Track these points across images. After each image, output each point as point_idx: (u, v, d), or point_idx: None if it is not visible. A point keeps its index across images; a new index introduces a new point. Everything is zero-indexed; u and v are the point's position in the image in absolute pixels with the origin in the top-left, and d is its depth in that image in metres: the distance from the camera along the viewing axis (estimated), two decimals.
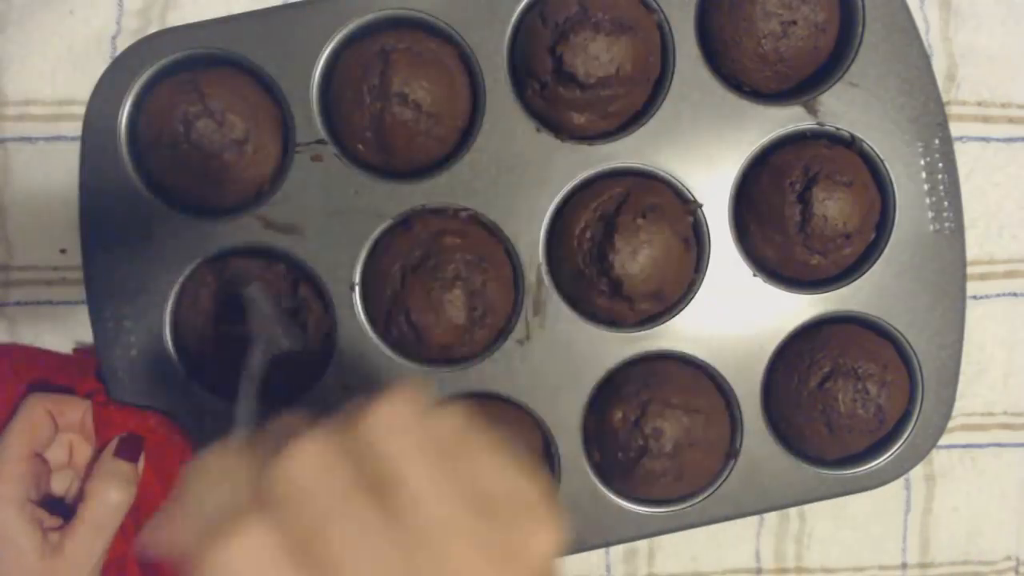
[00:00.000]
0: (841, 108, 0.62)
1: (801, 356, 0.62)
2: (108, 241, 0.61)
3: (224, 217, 0.61)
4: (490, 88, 0.61)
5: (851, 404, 0.60)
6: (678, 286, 0.62)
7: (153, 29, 0.63)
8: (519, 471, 0.34)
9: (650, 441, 0.59)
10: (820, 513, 0.69)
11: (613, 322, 0.62)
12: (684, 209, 0.62)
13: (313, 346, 0.61)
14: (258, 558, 0.30)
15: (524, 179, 0.62)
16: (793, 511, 0.69)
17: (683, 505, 0.63)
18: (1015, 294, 0.69)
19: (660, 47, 0.62)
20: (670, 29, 0.61)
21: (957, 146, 0.64)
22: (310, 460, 0.31)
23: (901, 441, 0.63)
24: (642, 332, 0.62)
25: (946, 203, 0.63)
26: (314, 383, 0.61)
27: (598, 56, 0.58)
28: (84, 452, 0.60)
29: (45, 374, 0.61)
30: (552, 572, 0.33)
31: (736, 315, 0.63)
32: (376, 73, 0.58)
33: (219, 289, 0.60)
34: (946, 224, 0.63)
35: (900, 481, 0.67)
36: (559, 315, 0.62)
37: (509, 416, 0.61)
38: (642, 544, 0.68)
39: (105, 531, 0.56)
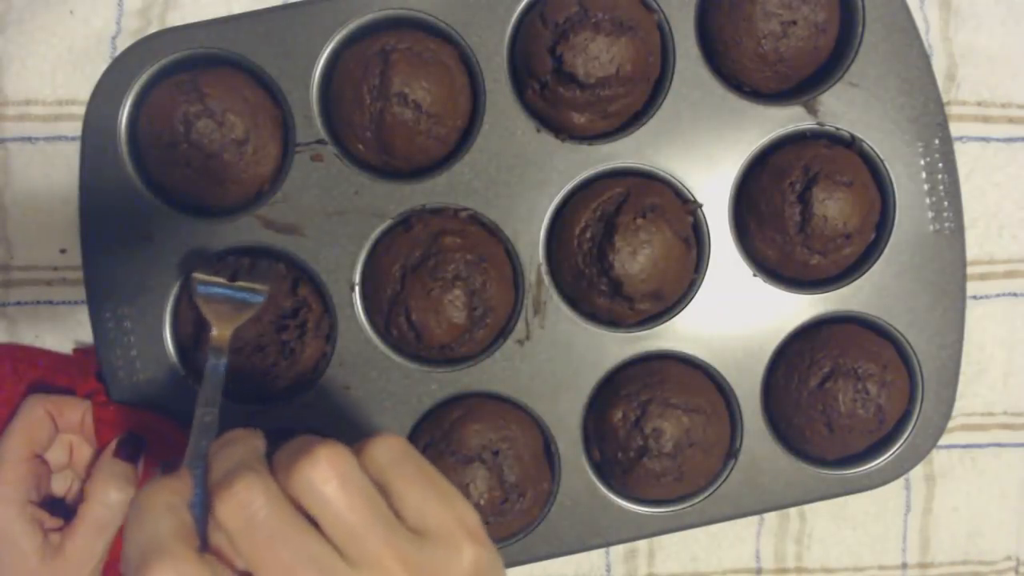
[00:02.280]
0: (841, 108, 0.62)
1: (801, 356, 0.62)
2: (108, 241, 0.61)
3: (224, 217, 0.61)
4: (490, 88, 0.61)
5: (851, 404, 0.60)
6: (678, 286, 0.62)
7: (153, 29, 0.63)
8: (447, 495, 0.39)
9: (650, 441, 0.59)
10: (820, 513, 0.69)
11: (613, 322, 0.62)
12: (684, 209, 0.62)
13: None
14: None
15: (524, 179, 0.62)
16: (793, 511, 0.69)
17: (683, 505, 0.63)
18: (1015, 294, 0.69)
19: (660, 47, 0.62)
20: (670, 29, 0.61)
21: (957, 146, 0.64)
22: (255, 496, 0.36)
23: (901, 441, 0.63)
24: (642, 332, 0.62)
25: (946, 203, 0.63)
26: (313, 383, 0.61)
27: (598, 56, 0.58)
28: (84, 453, 0.60)
29: (45, 375, 0.61)
30: None
31: (736, 315, 0.63)
32: (376, 73, 0.58)
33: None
34: (946, 224, 0.63)
35: (900, 481, 0.67)
36: (559, 315, 0.62)
37: (509, 416, 0.61)
38: (642, 544, 0.68)
39: (106, 532, 0.56)
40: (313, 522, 0.37)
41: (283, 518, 0.36)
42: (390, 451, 0.39)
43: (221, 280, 0.56)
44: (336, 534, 0.37)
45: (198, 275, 0.56)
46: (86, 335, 0.63)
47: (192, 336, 0.61)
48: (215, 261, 0.58)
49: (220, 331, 0.52)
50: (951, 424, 0.66)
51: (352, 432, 0.61)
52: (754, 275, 0.63)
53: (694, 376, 0.63)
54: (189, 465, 0.40)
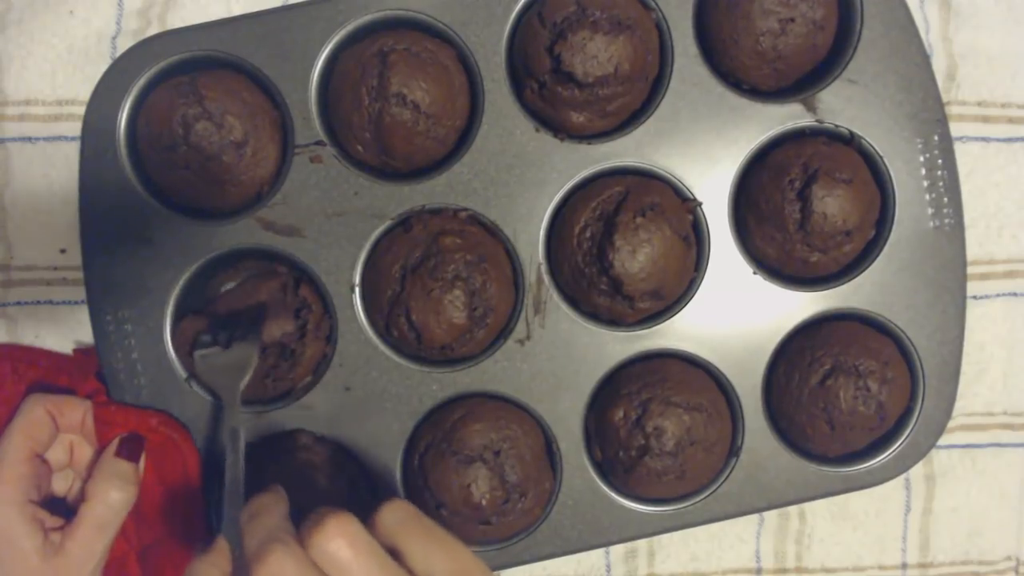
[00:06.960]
0: (840, 105, 0.62)
1: (802, 353, 0.62)
2: (108, 241, 0.61)
3: (224, 219, 0.61)
4: (489, 88, 0.61)
5: (852, 401, 0.60)
6: (678, 284, 0.62)
7: (153, 29, 0.63)
8: (451, 547, 0.43)
9: (651, 440, 0.59)
10: (820, 513, 0.69)
11: (613, 321, 0.62)
12: (684, 207, 0.62)
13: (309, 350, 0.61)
14: None
15: (523, 179, 0.62)
16: (793, 511, 0.69)
17: (685, 504, 0.63)
18: (1015, 294, 0.69)
19: (658, 46, 0.62)
20: (668, 27, 0.61)
21: (957, 146, 0.64)
22: (286, 567, 0.39)
23: (902, 438, 0.63)
24: (642, 331, 0.62)
25: (946, 199, 0.63)
26: (314, 385, 0.61)
27: (596, 55, 0.58)
28: (85, 452, 0.60)
29: (45, 375, 0.61)
30: None
31: (736, 313, 0.63)
32: (375, 74, 0.58)
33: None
34: (946, 221, 0.63)
35: (900, 481, 0.67)
36: (559, 314, 0.62)
37: (510, 415, 0.61)
38: (642, 544, 0.68)
39: (106, 531, 0.56)
40: None
41: None
42: (396, 514, 0.43)
43: (217, 350, 0.58)
44: None
45: (199, 352, 0.58)
46: (86, 335, 0.63)
47: (192, 339, 0.61)
48: (207, 334, 0.60)
49: (230, 400, 0.56)
50: (951, 424, 0.65)
51: (353, 433, 0.61)
52: (754, 273, 0.63)
53: (695, 374, 0.63)
54: (225, 535, 0.45)
